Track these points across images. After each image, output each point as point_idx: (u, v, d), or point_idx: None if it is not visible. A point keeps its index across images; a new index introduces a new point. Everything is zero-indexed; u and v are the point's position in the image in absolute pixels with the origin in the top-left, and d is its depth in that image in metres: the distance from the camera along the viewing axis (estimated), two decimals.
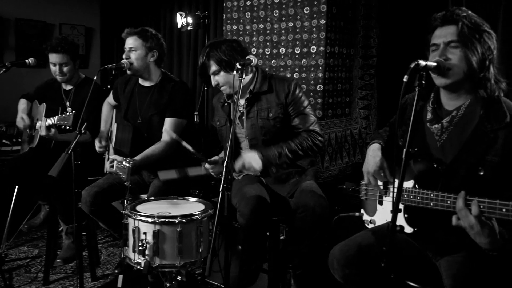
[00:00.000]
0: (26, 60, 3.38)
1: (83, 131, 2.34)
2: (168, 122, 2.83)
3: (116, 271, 2.43)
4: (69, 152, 2.24)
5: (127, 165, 2.43)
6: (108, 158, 3.03)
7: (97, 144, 2.99)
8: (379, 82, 3.71)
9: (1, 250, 3.34)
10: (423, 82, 1.55)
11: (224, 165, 1.90)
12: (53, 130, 3.06)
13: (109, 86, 2.62)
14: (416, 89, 1.55)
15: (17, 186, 3.42)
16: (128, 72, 2.87)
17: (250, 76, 2.52)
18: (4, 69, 3.26)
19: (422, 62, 1.57)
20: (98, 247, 3.50)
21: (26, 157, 3.43)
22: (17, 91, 3.95)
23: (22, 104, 3.57)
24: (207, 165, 2.54)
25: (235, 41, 2.54)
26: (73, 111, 2.90)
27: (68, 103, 3.38)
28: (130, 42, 2.84)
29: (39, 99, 3.55)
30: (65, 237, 3.32)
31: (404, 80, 1.50)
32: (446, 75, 1.70)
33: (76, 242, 2.37)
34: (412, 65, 1.55)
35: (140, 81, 2.98)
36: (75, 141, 2.28)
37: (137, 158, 2.61)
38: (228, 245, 2.16)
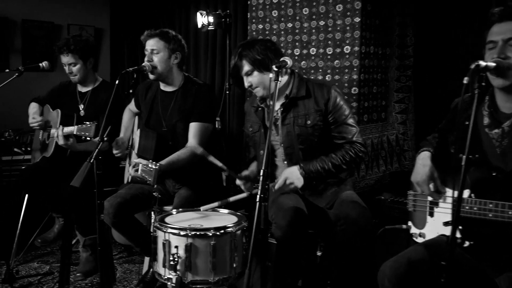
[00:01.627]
0: (40, 64, 3.48)
1: (105, 138, 2.38)
2: (193, 127, 2.87)
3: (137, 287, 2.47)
4: (91, 161, 2.28)
5: (154, 167, 2.47)
6: (130, 164, 3.09)
7: (114, 150, 3.04)
8: (416, 84, 3.72)
9: (11, 266, 3.39)
10: (483, 84, 1.57)
11: (261, 173, 1.94)
12: (71, 139, 3.13)
13: (130, 91, 2.64)
14: (476, 92, 1.57)
15: (27, 195, 3.48)
16: (151, 76, 2.92)
17: (285, 79, 2.55)
18: (17, 74, 3.36)
19: (482, 63, 1.59)
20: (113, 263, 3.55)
21: (40, 167, 3.48)
22: (27, 97, 4.04)
23: (33, 107, 3.64)
24: (238, 181, 2.58)
25: (269, 41, 2.59)
26: (95, 122, 2.94)
27: (82, 106, 3.46)
28: (152, 43, 2.89)
29: (52, 103, 3.62)
30: (82, 249, 3.36)
31: (465, 82, 1.52)
32: (505, 75, 1.71)
33: (99, 255, 2.42)
34: (473, 66, 1.57)
35: (162, 87, 3.02)
36: (97, 149, 2.32)
37: (162, 162, 2.64)
38: (261, 260, 2.18)
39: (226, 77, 3.96)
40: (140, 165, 2.52)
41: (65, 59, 3.40)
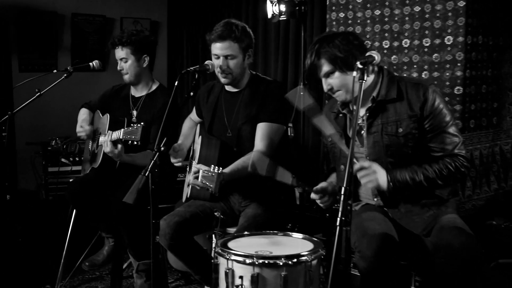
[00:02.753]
0: (90, 63, 3.63)
1: (162, 148, 2.42)
2: (261, 128, 2.91)
3: None
4: (146, 174, 2.34)
5: (216, 171, 2.53)
6: (190, 172, 3.16)
7: (172, 159, 3.11)
8: None
9: None
10: None
11: (342, 192, 1.92)
12: (119, 146, 3.26)
13: (191, 93, 2.69)
14: None
15: (74, 211, 3.63)
16: (224, 81, 2.97)
17: (372, 78, 2.51)
18: (65, 74, 3.53)
19: None
20: None
21: (89, 179, 3.63)
22: (75, 100, 4.26)
23: (83, 114, 3.82)
24: (313, 195, 2.56)
25: (351, 33, 2.55)
26: (142, 123, 3.06)
27: (134, 113, 3.59)
28: (224, 47, 2.91)
29: (103, 108, 3.78)
30: (136, 275, 3.43)
31: None
32: None
33: (153, 282, 2.49)
34: None
35: (227, 87, 3.11)
36: (153, 161, 2.38)
37: (226, 170, 2.69)
38: None
39: (300, 76, 3.96)
40: (201, 170, 2.57)
41: (117, 53, 3.55)
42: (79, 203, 3.59)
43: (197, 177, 2.60)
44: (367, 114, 2.53)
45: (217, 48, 2.94)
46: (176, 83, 2.62)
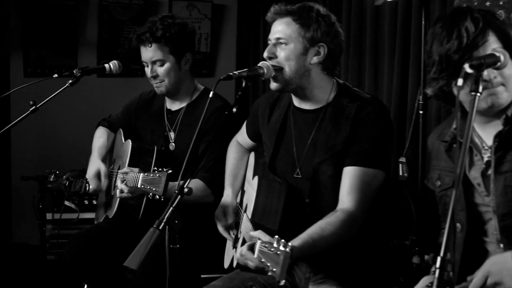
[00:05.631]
0: (106, 65, 3.71)
1: (186, 189, 2.47)
2: (351, 175, 2.88)
3: None
4: (160, 228, 2.41)
5: (283, 248, 2.37)
6: (237, 239, 3.23)
7: (219, 225, 3.24)
8: None
9: None
10: None
11: (437, 261, 1.92)
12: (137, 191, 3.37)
13: (234, 109, 2.69)
14: None
15: (86, 286, 3.73)
16: (273, 86, 2.99)
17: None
18: (71, 80, 3.57)
19: None
20: None
21: (98, 233, 3.78)
22: (93, 117, 4.39)
23: (100, 136, 3.96)
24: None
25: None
26: (167, 170, 3.06)
27: (172, 135, 3.68)
28: (279, 29, 2.98)
29: (128, 127, 3.91)
30: None
31: None
32: None
33: None
34: None
35: (297, 102, 3.12)
36: (171, 208, 2.44)
37: (296, 242, 2.62)
38: None
39: (420, 84, 3.95)
40: (258, 242, 2.53)
41: (147, 53, 3.64)
42: (84, 266, 3.68)
43: (252, 249, 2.59)
44: (496, 144, 2.47)
45: (272, 31, 3.04)
46: (211, 94, 2.68)
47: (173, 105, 3.79)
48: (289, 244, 2.40)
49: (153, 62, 3.65)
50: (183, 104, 3.77)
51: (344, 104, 3.02)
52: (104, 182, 3.79)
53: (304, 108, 3.11)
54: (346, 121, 2.97)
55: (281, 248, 2.38)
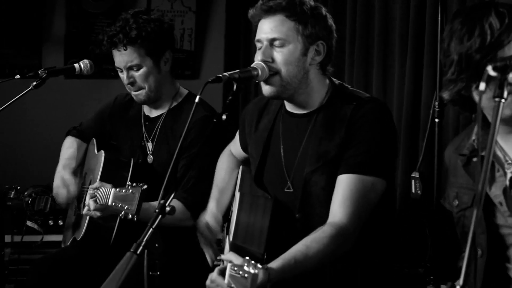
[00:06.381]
0: (76, 65, 3.69)
1: (168, 208, 2.43)
2: (345, 184, 2.88)
3: None
4: (138, 252, 2.35)
5: (252, 271, 2.42)
6: (216, 260, 3.20)
7: (201, 243, 3.23)
8: None
9: None
10: None
11: None
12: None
13: (224, 116, 2.69)
14: None
15: None
16: (265, 90, 2.99)
17: None
18: (35, 82, 3.54)
19: None
20: None
21: (65, 258, 3.75)
22: (64, 124, 4.35)
23: (68, 147, 3.95)
24: None
25: None
26: (142, 185, 3.07)
27: (149, 145, 3.60)
28: (272, 28, 2.97)
29: (101, 135, 3.89)
30: None
31: None
32: None
33: None
34: None
35: (289, 106, 3.13)
36: (151, 230, 2.39)
37: (274, 264, 2.65)
38: None
39: (436, 89, 3.96)
40: (229, 265, 2.51)
41: (121, 57, 3.62)
42: None
43: (223, 274, 2.57)
44: None
45: (260, 29, 3.02)
46: (197, 98, 2.63)
47: (152, 111, 3.78)
48: (263, 266, 2.53)
49: (129, 68, 3.61)
50: (163, 110, 3.78)
51: (339, 106, 3.04)
52: (73, 191, 3.74)
53: (296, 113, 3.13)
54: (341, 124, 2.99)
55: (250, 270, 2.44)
